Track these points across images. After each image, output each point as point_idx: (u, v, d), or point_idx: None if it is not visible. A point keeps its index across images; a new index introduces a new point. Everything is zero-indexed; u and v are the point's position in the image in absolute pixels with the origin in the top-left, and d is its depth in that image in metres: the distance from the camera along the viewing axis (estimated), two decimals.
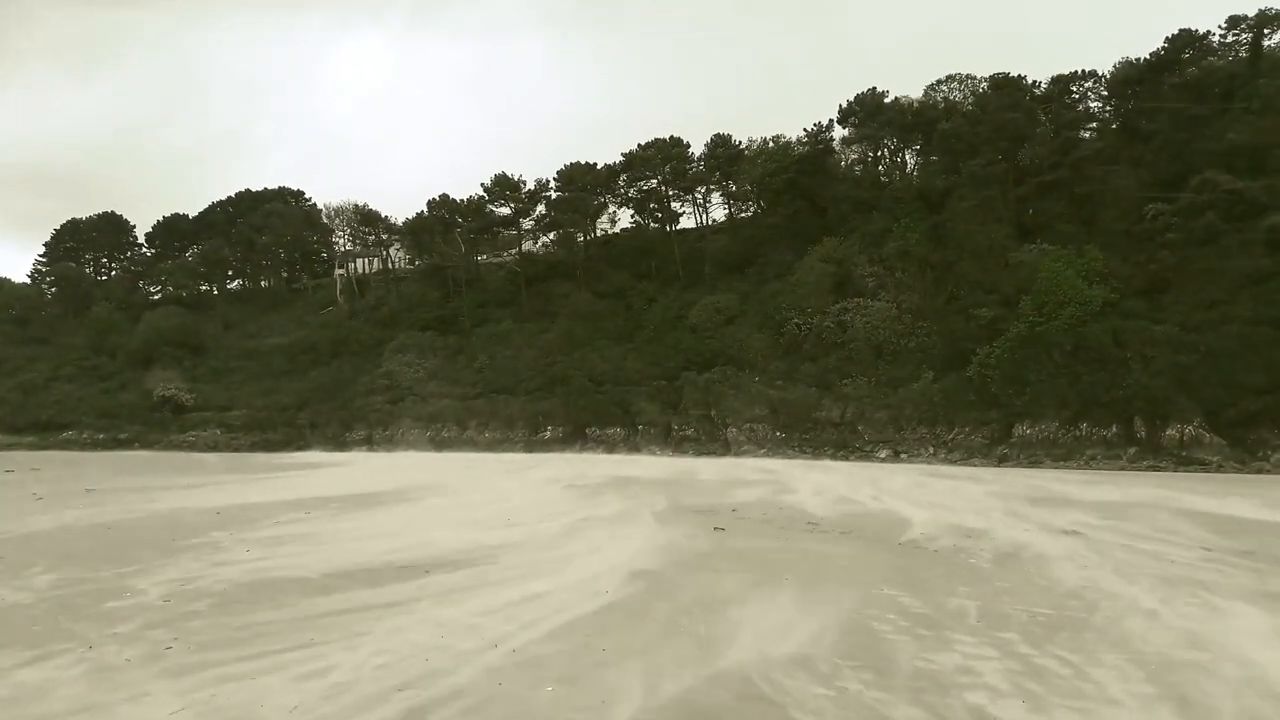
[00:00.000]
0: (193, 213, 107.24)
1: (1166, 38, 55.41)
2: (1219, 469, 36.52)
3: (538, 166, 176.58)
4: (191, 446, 67.26)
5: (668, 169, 73.46)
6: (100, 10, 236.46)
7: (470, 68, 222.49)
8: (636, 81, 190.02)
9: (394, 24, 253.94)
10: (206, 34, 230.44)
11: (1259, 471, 35.68)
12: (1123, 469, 37.99)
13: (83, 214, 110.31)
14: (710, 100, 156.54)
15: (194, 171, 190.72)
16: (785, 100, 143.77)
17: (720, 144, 72.22)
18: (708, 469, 41.63)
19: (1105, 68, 58.41)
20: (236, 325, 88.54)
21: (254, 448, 65.34)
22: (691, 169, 73.39)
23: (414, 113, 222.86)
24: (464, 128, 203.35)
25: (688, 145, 73.85)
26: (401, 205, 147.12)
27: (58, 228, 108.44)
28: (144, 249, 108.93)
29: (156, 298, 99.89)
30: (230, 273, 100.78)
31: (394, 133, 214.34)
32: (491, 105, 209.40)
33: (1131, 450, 39.67)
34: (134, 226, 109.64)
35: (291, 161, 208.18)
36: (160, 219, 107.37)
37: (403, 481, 38.27)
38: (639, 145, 74.46)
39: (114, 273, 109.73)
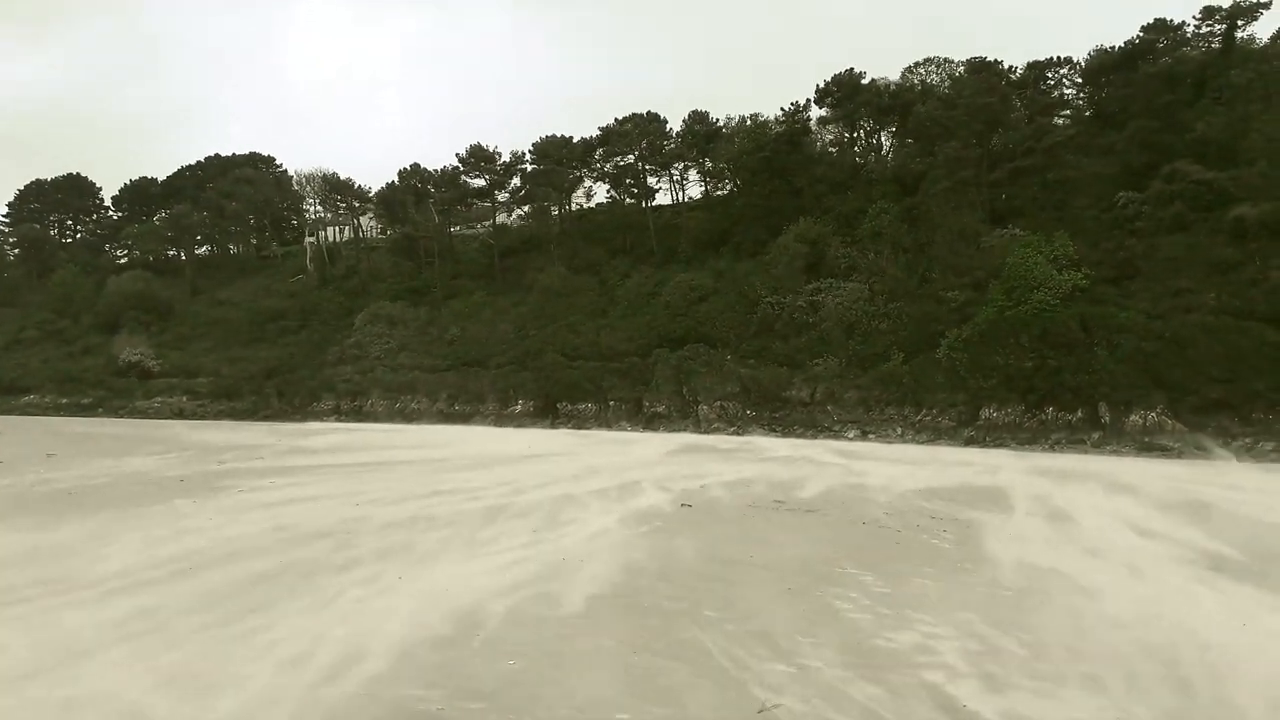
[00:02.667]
0: (160, 177, 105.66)
1: (1141, 26, 55.80)
2: (1180, 455, 37.07)
3: (508, 139, 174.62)
4: (157, 413, 66.62)
5: (644, 144, 73.08)
6: None
7: (432, 39, 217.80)
8: (609, 58, 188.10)
9: None
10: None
11: (1220, 458, 36.23)
12: (1085, 453, 38.50)
13: (41, 176, 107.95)
14: (684, 79, 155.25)
15: (156, 137, 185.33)
16: (761, 79, 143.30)
17: (698, 121, 71.92)
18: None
19: (1080, 54, 58.86)
20: (204, 291, 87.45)
21: (220, 415, 64.83)
22: (668, 145, 73.09)
23: (378, 82, 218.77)
24: (431, 100, 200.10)
25: (665, 121, 73.54)
26: (372, 174, 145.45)
27: (21, 188, 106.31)
28: (110, 212, 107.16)
29: (123, 261, 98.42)
30: (199, 238, 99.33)
31: (360, 101, 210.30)
32: (457, 78, 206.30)
33: (1095, 435, 40.19)
34: (100, 189, 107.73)
35: (256, 128, 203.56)
36: (128, 182, 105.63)
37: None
38: (616, 120, 74.09)
39: (79, 235, 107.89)
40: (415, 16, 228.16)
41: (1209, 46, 54.42)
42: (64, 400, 71.16)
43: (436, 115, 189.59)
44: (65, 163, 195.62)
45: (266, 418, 62.96)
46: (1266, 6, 52.61)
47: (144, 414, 66.72)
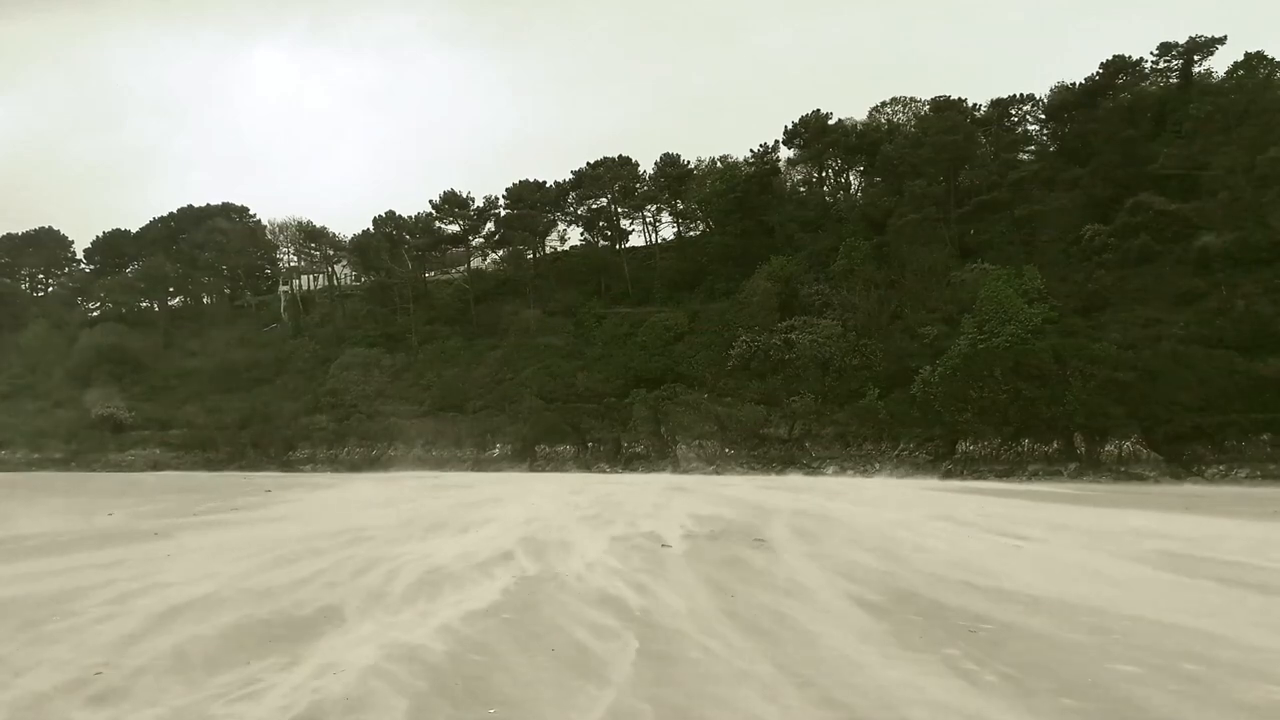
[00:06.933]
0: (127, 227, 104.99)
1: (1101, 63, 56.96)
2: (1155, 483, 37.39)
3: (479, 182, 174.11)
4: (130, 466, 65.82)
5: (617, 187, 73.66)
6: None
7: (382, 84, 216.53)
8: (574, 97, 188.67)
9: (295, 37, 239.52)
10: (107, 48, 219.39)
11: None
12: (1064, 484, 38.69)
13: (11, 230, 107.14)
14: (651, 120, 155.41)
15: (118, 185, 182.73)
16: (729, 120, 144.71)
17: (669, 163, 72.55)
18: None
19: (1042, 91, 59.97)
20: (178, 343, 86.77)
21: (194, 466, 64.09)
22: (640, 188, 73.67)
23: (339, 129, 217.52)
24: (396, 146, 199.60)
25: (637, 164, 74.17)
26: (340, 222, 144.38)
27: None
28: (82, 265, 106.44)
29: (95, 314, 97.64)
30: (172, 289, 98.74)
31: (323, 149, 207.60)
32: (420, 123, 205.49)
33: (1072, 466, 40.49)
34: (72, 242, 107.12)
35: (220, 176, 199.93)
36: (100, 234, 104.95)
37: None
38: (588, 164, 74.62)
39: (51, 289, 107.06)
40: (372, 62, 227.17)
41: (1167, 81, 55.67)
42: (36, 455, 70.16)
43: (403, 162, 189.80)
44: (27, 213, 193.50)
45: (242, 468, 62.32)
46: (1222, 42, 54.02)
47: (118, 467, 65.88)
